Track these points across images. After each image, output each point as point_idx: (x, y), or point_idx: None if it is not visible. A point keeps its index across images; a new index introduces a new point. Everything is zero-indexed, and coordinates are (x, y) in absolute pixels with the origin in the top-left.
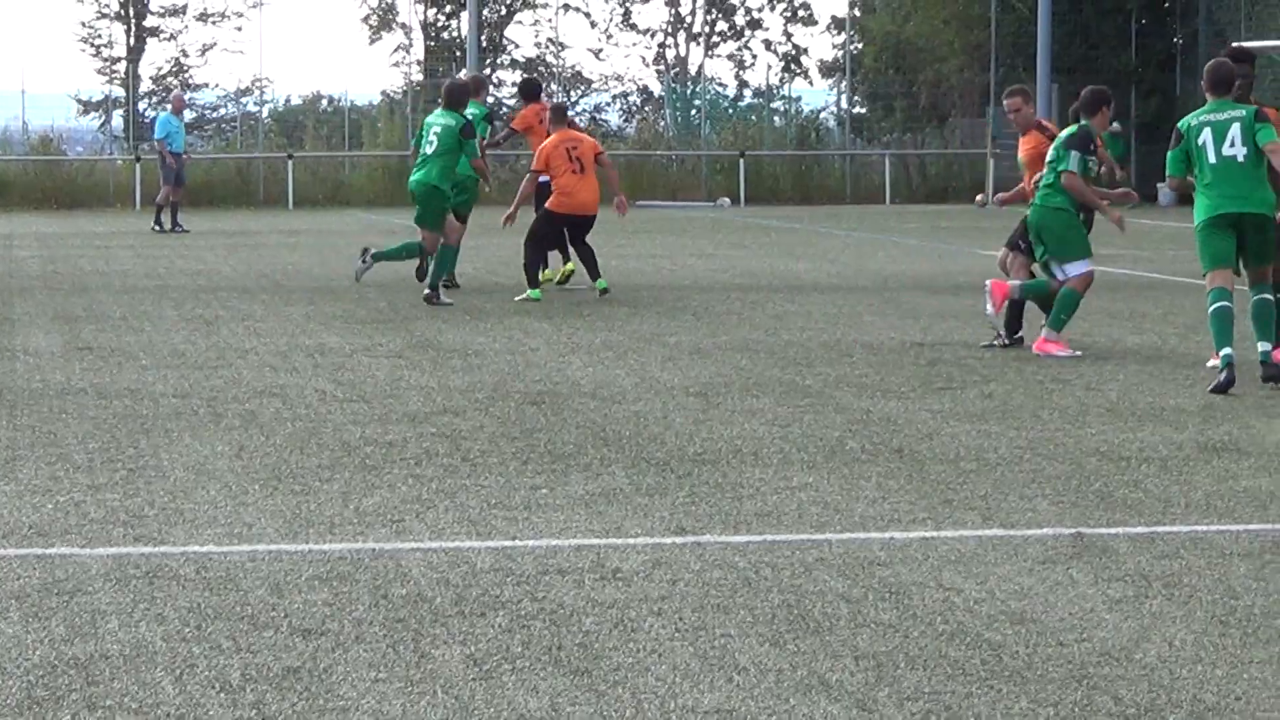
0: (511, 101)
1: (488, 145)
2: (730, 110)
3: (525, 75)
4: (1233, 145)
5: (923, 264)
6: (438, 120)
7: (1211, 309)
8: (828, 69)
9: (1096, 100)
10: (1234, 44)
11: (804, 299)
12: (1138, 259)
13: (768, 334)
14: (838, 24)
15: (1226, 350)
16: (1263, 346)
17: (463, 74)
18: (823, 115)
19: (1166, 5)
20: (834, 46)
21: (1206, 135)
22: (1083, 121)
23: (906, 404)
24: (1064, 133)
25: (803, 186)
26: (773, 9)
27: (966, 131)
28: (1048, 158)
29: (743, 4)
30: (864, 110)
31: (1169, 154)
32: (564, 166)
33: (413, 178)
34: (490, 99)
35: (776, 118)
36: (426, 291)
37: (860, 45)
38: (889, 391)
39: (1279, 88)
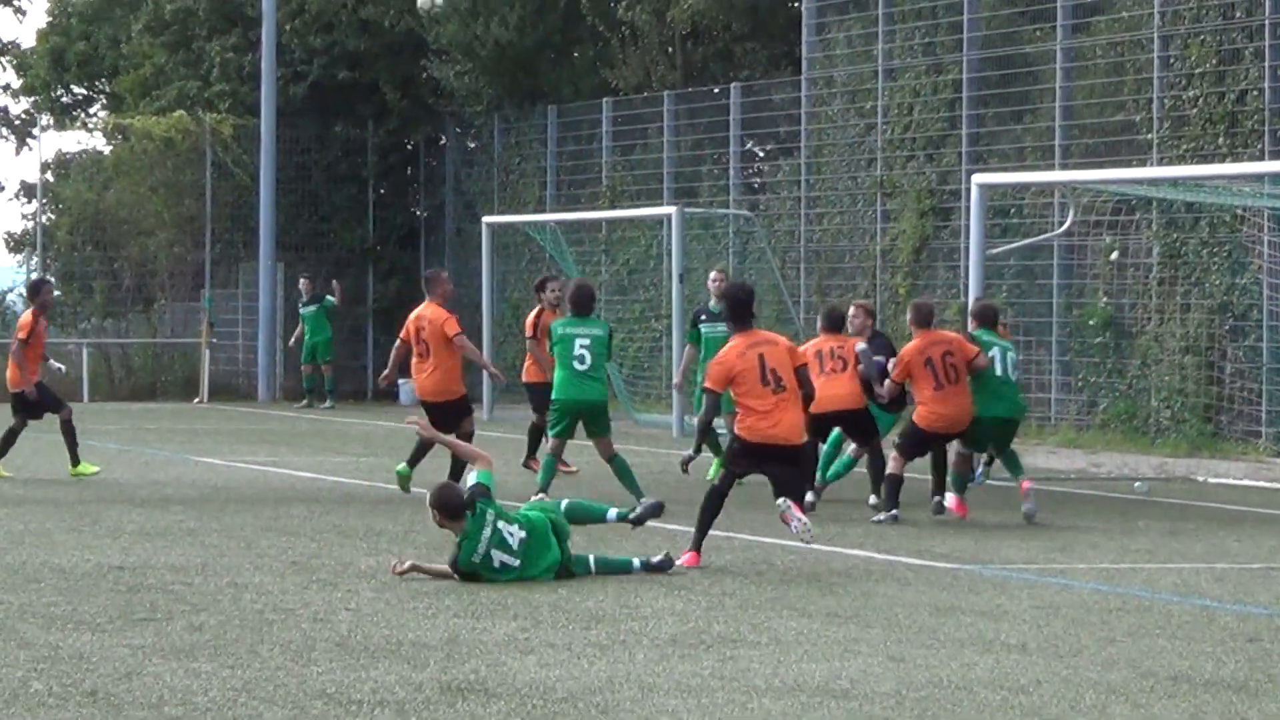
0: None
1: None
2: None
3: None
4: None
5: (126, 472)
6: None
7: None
8: (16, 242)
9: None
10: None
11: None
12: (374, 467)
13: None
14: (28, 190)
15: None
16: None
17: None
18: (10, 297)
19: (409, 173)
20: (24, 217)
21: None
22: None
23: (103, 638)
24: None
25: None
26: None
27: (179, 317)
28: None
29: None
30: (59, 292)
31: None
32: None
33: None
34: None
35: None
36: None
37: (54, 216)
38: (82, 623)
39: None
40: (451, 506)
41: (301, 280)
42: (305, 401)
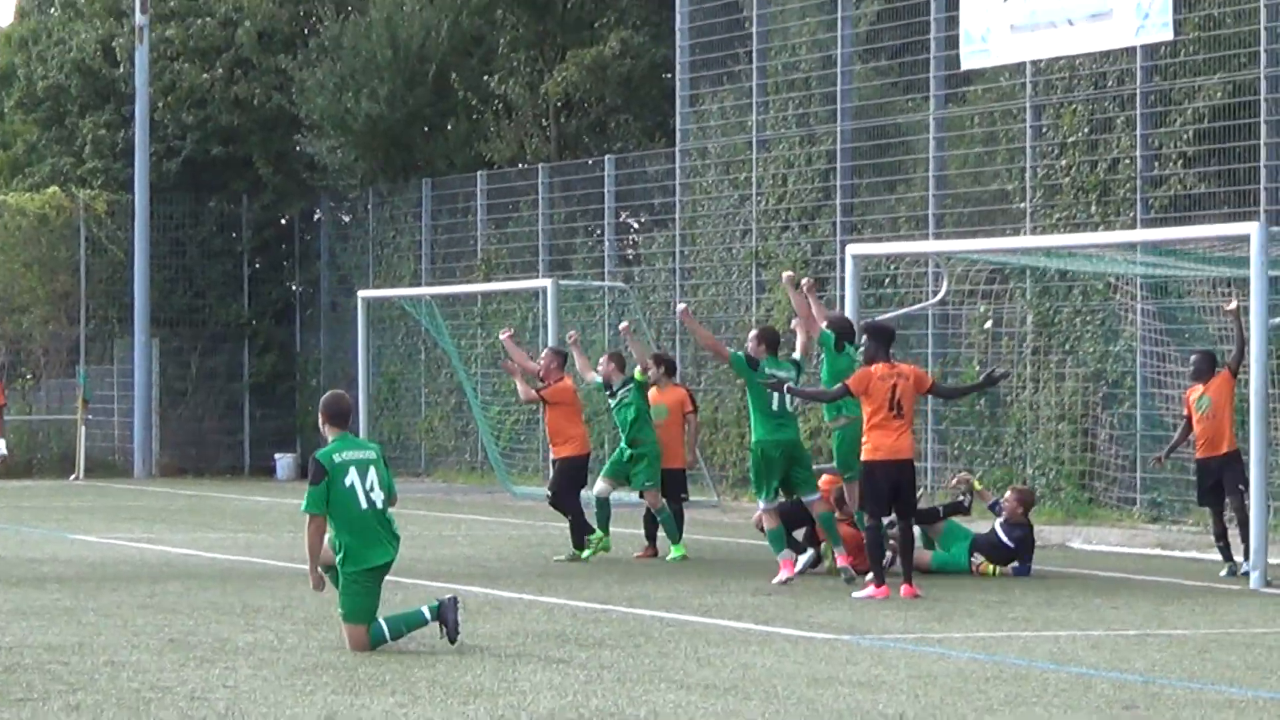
0: None
1: None
2: None
3: None
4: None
5: (1, 550)
6: None
7: None
8: None
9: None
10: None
11: None
12: (251, 543)
13: None
14: None
15: None
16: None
17: None
18: None
19: (284, 248)
20: None
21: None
22: None
23: None
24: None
25: None
26: None
27: (54, 394)
28: None
29: None
30: None
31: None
32: None
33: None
34: None
35: None
36: None
37: None
38: None
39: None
40: (332, 410)
41: None
42: None
